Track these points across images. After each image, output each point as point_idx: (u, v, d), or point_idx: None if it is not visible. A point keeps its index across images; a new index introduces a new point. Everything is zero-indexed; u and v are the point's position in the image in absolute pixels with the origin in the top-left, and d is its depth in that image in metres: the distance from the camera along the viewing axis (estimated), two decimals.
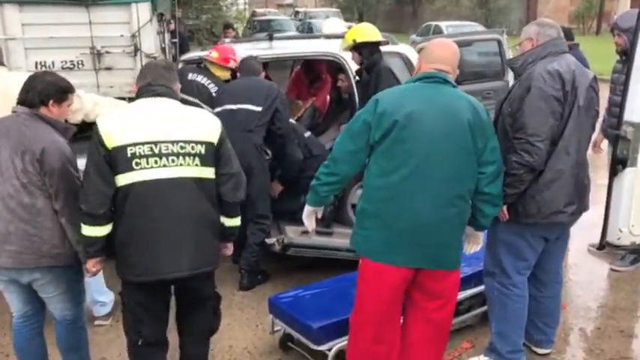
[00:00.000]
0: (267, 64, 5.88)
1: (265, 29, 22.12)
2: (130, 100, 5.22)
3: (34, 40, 5.28)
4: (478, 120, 2.65)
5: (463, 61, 6.95)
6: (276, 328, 3.61)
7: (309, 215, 2.96)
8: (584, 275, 4.58)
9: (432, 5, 30.95)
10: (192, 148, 2.61)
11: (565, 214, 2.96)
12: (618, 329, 3.82)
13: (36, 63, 5.31)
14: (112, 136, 2.54)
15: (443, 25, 19.00)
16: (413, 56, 5.29)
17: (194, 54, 5.54)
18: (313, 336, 3.25)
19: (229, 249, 3.03)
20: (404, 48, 5.56)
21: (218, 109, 4.40)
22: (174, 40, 7.18)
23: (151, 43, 5.49)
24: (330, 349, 3.21)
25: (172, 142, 2.58)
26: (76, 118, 4.05)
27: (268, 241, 4.49)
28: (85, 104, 4.12)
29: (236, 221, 2.87)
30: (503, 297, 3.12)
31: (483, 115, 2.69)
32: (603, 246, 3.36)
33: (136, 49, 5.40)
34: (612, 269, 4.61)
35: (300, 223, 3.07)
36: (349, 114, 5.11)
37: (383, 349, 2.79)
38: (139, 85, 2.75)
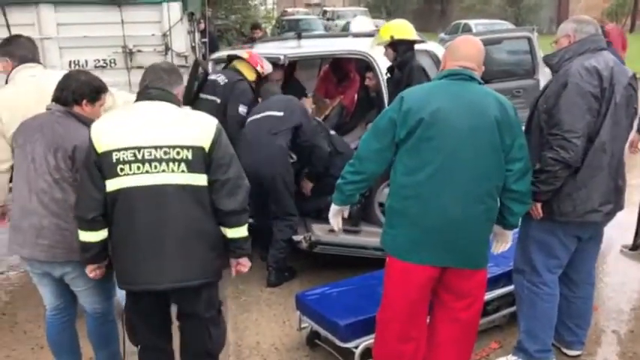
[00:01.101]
0: (296, 63, 5.95)
1: (294, 29, 22.28)
2: None
3: (69, 40, 5.37)
4: (505, 117, 2.62)
5: (492, 59, 6.93)
6: (303, 325, 3.64)
7: (336, 214, 2.96)
8: (617, 277, 4.51)
9: (461, 3, 30.64)
10: (178, 153, 2.48)
11: (600, 213, 2.91)
12: None
13: (70, 62, 5.41)
14: (100, 140, 2.51)
15: (472, 23, 18.82)
16: (441, 54, 5.24)
17: (223, 52, 5.59)
18: (340, 333, 3.25)
19: (243, 265, 2.76)
20: (432, 46, 5.51)
21: (248, 121, 4.56)
22: (204, 40, 7.24)
23: (181, 42, 5.55)
24: (357, 347, 3.21)
25: (156, 148, 2.47)
26: None
27: (295, 238, 4.52)
28: (117, 102, 4.18)
29: (240, 232, 2.64)
30: (533, 295, 3.08)
31: (511, 111, 2.67)
32: (637, 247, 3.29)
33: (167, 48, 5.47)
34: None
35: (327, 221, 3.06)
36: (377, 113, 5.11)
37: (410, 348, 2.78)
38: (139, 88, 2.71)
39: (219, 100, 4.60)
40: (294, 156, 4.59)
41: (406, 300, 2.71)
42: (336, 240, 4.45)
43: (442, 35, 19.97)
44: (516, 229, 3.01)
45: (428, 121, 2.55)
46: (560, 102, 2.81)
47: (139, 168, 2.48)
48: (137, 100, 2.65)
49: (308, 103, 5.22)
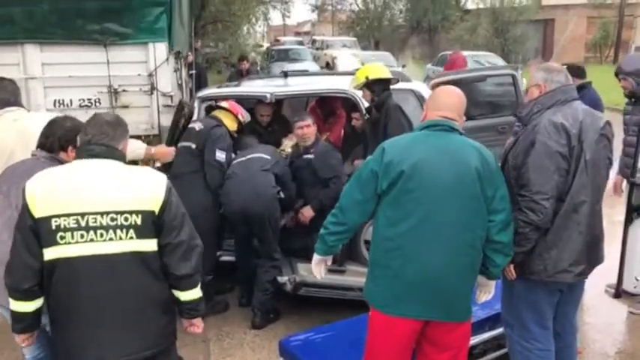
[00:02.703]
0: (282, 101, 5.99)
1: (283, 59, 22.41)
2: (146, 137, 5.39)
3: (54, 79, 5.37)
4: (487, 168, 2.62)
5: (477, 96, 6.99)
6: None
7: (318, 264, 2.94)
8: (602, 318, 4.49)
9: (448, 34, 31.09)
10: (126, 219, 2.29)
11: (571, 273, 2.87)
12: None
13: (55, 101, 5.41)
14: (36, 203, 2.28)
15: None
16: (426, 93, 5.31)
17: (210, 91, 5.61)
18: None
19: (196, 326, 2.63)
20: (416, 85, 5.58)
21: (234, 163, 4.58)
22: (191, 72, 7.27)
23: (167, 81, 5.56)
24: None
25: (102, 214, 2.27)
26: None
27: (280, 279, 4.48)
28: None
29: (193, 294, 2.50)
30: (526, 351, 3.00)
31: (491, 162, 2.67)
32: (619, 294, 3.28)
33: (153, 88, 5.47)
34: (630, 312, 4.51)
35: None
36: (363, 149, 5.15)
37: None
38: (79, 142, 2.47)
39: (194, 146, 4.55)
40: (282, 193, 4.58)
41: (390, 353, 2.68)
42: (321, 281, 4.41)
43: (429, 66, 20.21)
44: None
45: (409, 173, 2.55)
46: (528, 161, 2.78)
47: (82, 236, 2.26)
48: (77, 158, 2.42)
49: (293, 140, 5.23)
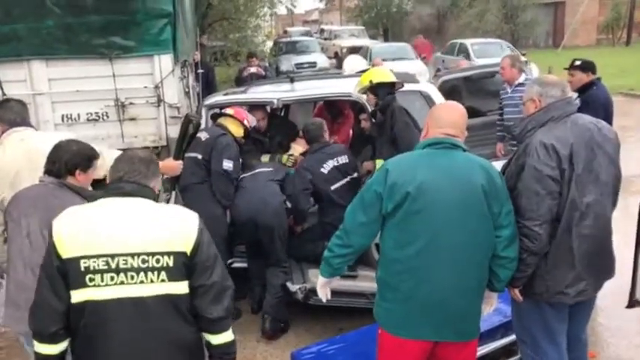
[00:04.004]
0: (289, 106, 5.99)
1: (291, 51, 22.39)
2: (154, 149, 5.42)
3: (61, 94, 5.42)
4: (492, 184, 2.60)
5: (487, 92, 6.94)
6: None
7: (323, 286, 2.94)
8: (616, 321, 4.45)
9: (458, 21, 30.78)
10: (157, 261, 2.19)
11: (567, 295, 2.83)
12: None
13: (62, 116, 5.46)
14: (64, 243, 2.18)
15: (468, 43, 18.77)
16: (434, 93, 5.29)
17: (217, 98, 5.61)
18: None
19: None
20: (424, 86, 5.55)
21: (242, 177, 4.67)
22: (198, 72, 7.25)
23: (173, 92, 5.58)
24: None
25: (133, 255, 2.17)
26: (99, 174, 4.15)
27: (291, 288, 4.49)
28: (106, 161, 4.20)
29: (225, 337, 2.36)
30: None
31: (496, 178, 2.64)
32: (633, 304, 3.25)
33: (159, 100, 5.50)
34: None
35: None
36: (372, 150, 5.14)
37: None
38: (109, 178, 2.38)
39: (200, 156, 4.56)
40: (289, 203, 4.60)
41: None
42: (333, 287, 4.42)
43: (438, 54, 20.07)
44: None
45: (414, 194, 2.53)
46: (519, 186, 2.74)
47: (112, 279, 2.17)
48: (107, 195, 2.31)
49: (301, 144, 5.23)
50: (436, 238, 2.55)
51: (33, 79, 5.34)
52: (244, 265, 4.88)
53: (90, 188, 3.07)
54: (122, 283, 2.18)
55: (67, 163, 2.89)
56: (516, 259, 2.72)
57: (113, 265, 2.17)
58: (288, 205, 4.59)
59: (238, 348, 4.24)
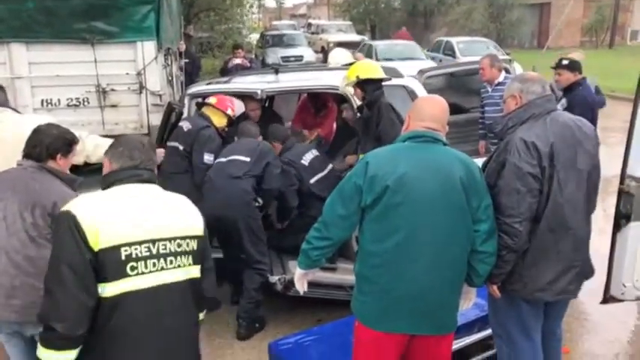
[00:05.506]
0: (274, 97, 5.95)
1: (277, 44, 22.29)
2: None
3: (41, 79, 5.34)
4: (471, 178, 2.60)
5: (470, 89, 6.98)
6: None
7: (301, 278, 2.93)
8: (590, 316, 4.51)
9: (445, 18, 30.90)
10: (188, 244, 2.21)
11: (549, 292, 2.85)
12: None
13: (42, 101, 5.38)
14: (100, 233, 2.02)
15: (454, 41, 18.83)
16: (417, 88, 5.29)
17: (200, 87, 5.57)
18: None
19: None
20: (408, 81, 5.55)
21: (214, 163, 4.49)
22: (185, 61, 7.19)
23: (156, 80, 5.53)
24: None
25: (170, 240, 2.16)
26: (78, 159, 4.10)
27: (271, 279, 4.47)
28: (86, 146, 4.17)
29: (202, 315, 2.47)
30: None
31: (476, 172, 2.65)
32: (607, 300, 3.29)
33: (141, 87, 5.44)
34: None
35: None
36: (356, 143, 5.13)
37: None
38: (119, 164, 2.27)
39: (181, 147, 4.53)
40: (260, 200, 4.51)
41: None
42: (312, 278, 4.42)
43: (426, 52, 20.08)
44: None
45: (394, 187, 2.51)
46: (499, 184, 2.74)
47: (154, 265, 2.11)
48: (123, 182, 2.22)
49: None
50: (415, 231, 2.54)
51: (13, 62, 5.25)
52: (220, 255, 4.84)
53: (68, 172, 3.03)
54: (162, 269, 2.14)
55: (49, 147, 2.86)
56: (495, 254, 2.72)
57: (154, 251, 2.12)
58: (259, 202, 4.48)
59: (216, 338, 4.33)
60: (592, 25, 30.43)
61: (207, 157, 4.49)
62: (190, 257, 2.22)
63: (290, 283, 4.42)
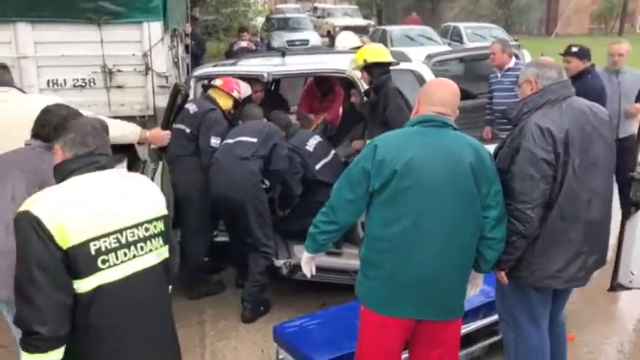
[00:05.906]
0: (280, 80, 5.91)
1: (283, 27, 22.13)
2: (141, 118, 5.34)
3: (47, 59, 5.31)
4: (481, 164, 2.57)
5: (479, 75, 6.93)
6: (280, 357, 3.61)
7: (308, 262, 2.92)
8: (596, 305, 4.48)
9: (452, 3, 30.63)
10: (155, 227, 2.19)
11: (559, 279, 2.82)
12: None
13: (48, 81, 5.36)
14: (66, 231, 1.96)
15: (461, 26, 18.70)
16: (425, 73, 5.25)
17: (206, 70, 5.53)
18: None
19: None
20: (416, 65, 5.50)
21: (221, 145, 4.48)
22: (188, 44, 7.14)
23: (162, 61, 5.50)
24: None
25: (137, 226, 2.13)
26: None
27: (276, 263, 4.47)
28: None
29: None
30: (520, 348, 2.99)
31: (486, 157, 2.62)
32: (614, 288, 3.28)
33: (147, 68, 5.41)
34: None
35: None
36: (362, 128, 5.10)
37: None
38: (72, 152, 2.17)
39: (188, 130, 4.51)
40: (267, 182, 4.50)
41: (382, 351, 2.68)
42: (318, 263, 4.41)
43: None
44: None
45: (402, 172, 2.49)
46: (512, 169, 2.70)
47: (125, 255, 2.08)
48: (78, 172, 2.13)
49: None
50: (423, 216, 2.52)
51: (18, 41, 5.22)
52: (227, 239, 4.84)
53: None
54: (134, 256, 2.12)
55: (57, 127, 2.83)
56: (503, 240, 2.70)
57: (123, 241, 2.08)
58: (266, 184, 4.47)
59: (221, 321, 4.35)
60: (601, 12, 30.14)
61: (214, 141, 4.48)
62: (160, 239, 2.21)
63: (295, 268, 4.43)
